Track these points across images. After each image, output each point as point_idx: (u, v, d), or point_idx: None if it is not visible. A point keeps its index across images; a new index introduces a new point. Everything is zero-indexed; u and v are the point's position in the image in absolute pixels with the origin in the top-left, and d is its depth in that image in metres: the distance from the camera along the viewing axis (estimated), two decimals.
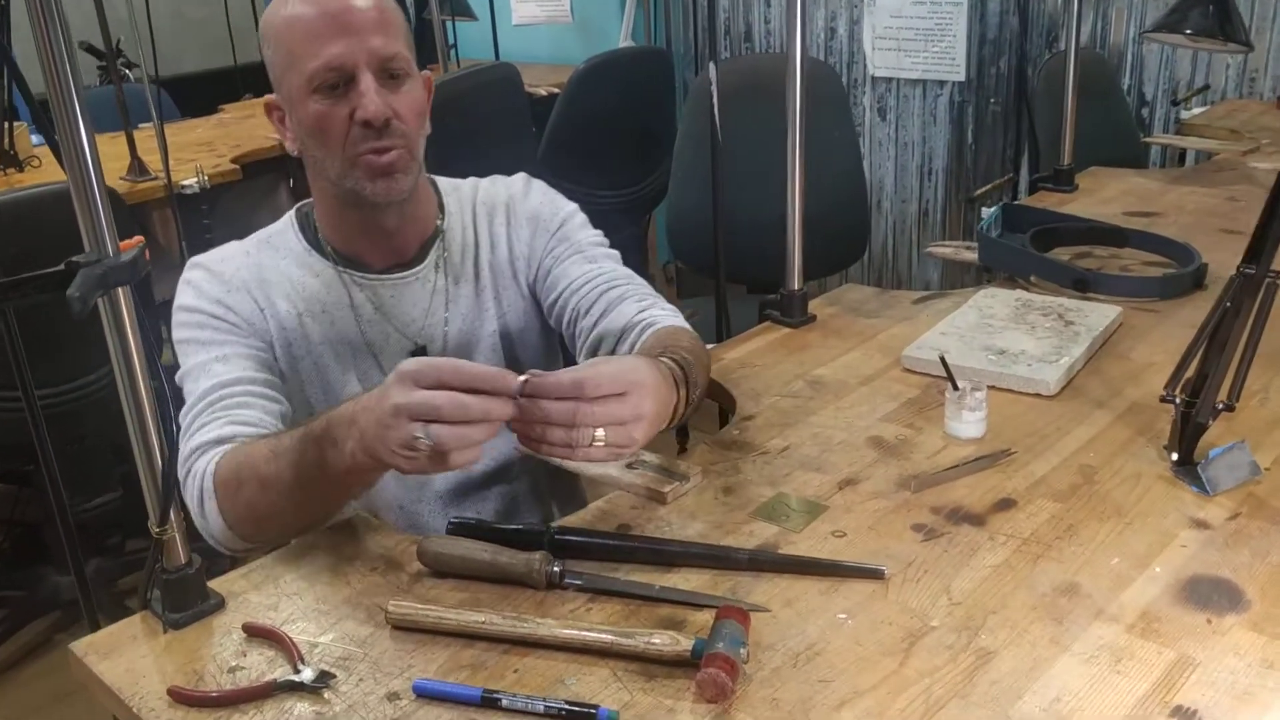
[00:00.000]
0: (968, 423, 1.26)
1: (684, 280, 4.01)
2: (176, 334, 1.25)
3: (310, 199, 1.35)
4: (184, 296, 1.27)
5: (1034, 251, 1.75)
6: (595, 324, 1.34)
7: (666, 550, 1.06)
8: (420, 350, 1.36)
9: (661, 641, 0.91)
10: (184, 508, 1.07)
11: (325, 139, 1.21)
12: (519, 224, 1.40)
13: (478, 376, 0.94)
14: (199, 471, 1.11)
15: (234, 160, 2.91)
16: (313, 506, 1.08)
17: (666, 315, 1.31)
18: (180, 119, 3.63)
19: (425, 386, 0.93)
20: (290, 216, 1.36)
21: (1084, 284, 1.66)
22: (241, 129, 3.39)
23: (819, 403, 1.38)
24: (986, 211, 2.19)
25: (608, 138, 3.33)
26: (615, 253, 1.42)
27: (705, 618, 0.97)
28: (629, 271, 1.39)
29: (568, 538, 1.07)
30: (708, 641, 0.90)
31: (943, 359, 1.29)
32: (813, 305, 1.67)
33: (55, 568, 2.62)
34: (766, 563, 1.04)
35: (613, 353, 1.32)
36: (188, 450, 1.12)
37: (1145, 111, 3.36)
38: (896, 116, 3.83)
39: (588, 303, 1.35)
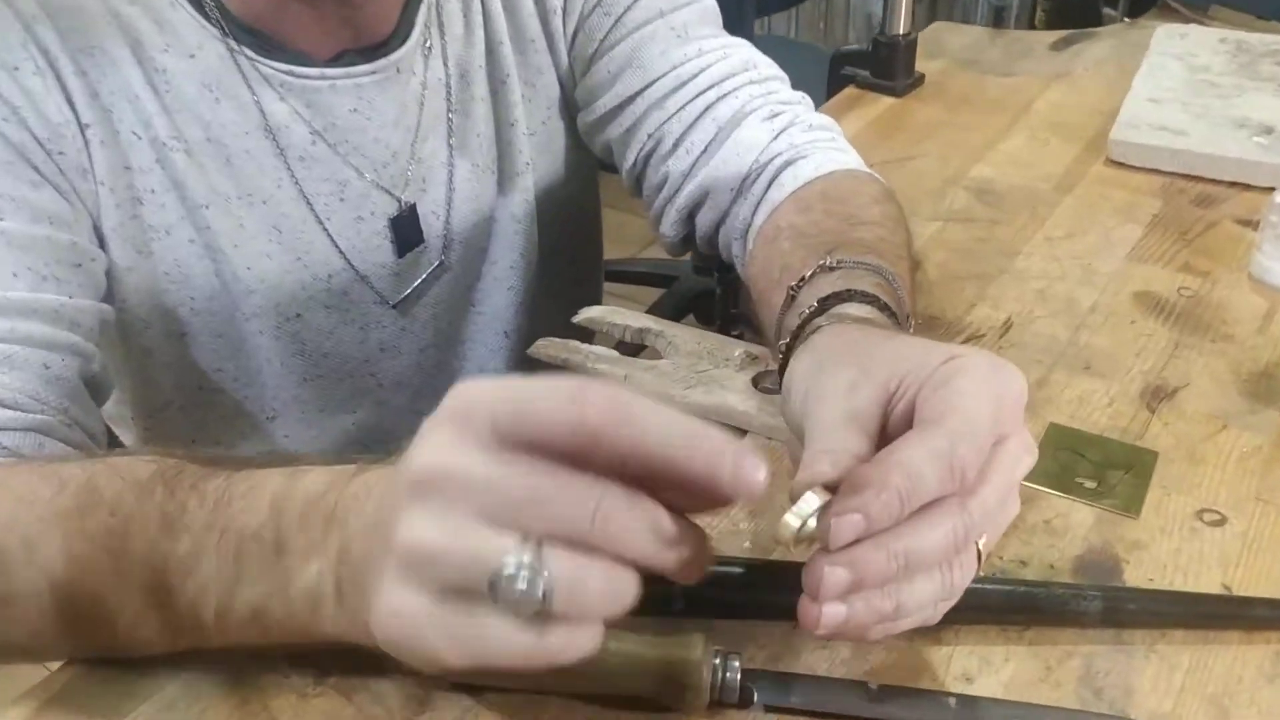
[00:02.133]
0: None
1: None
2: None
3: None
4: None
5: None
6: (693, 168, 0.75)
7: None
8: (408, 214, 0.74)
9: None
10: None
11: None
12: None
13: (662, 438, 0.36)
14: None
15: None
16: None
17: (822, 142, 0.73)
18: None
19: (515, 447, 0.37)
20: None
21: None
22: None
23: (1010, 230, 0.84)
24: None
25: None
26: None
27: None
28: (738, 46, 0.78)
29: (723, 570, 0.53)
30: None
31: None
32: None
33: None
34: (1137, 615, 0.52)
35: (723, 220, 0.75)
36: None
37: None
38: None
39: (679, 126, 0.75)
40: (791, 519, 0.38)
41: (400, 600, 0.38)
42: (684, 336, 0.70)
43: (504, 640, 0.36)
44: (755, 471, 0.36)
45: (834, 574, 0.39)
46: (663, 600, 0.52)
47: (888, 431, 0.44)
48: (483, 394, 0.37)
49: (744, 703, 0.48)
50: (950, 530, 0.40)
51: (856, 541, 0.39)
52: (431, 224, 0.76)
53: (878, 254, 0.61)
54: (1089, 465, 0.61)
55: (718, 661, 0.48)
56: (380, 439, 0.80)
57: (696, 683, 0.47)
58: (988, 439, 0.42)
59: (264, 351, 0.74)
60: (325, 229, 0.71)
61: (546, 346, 0.70)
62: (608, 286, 2.12)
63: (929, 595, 0.42)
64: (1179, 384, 0.67)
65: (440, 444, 0.37)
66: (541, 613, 0.36)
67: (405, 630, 0.38)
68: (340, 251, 0.73)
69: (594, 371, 0.68)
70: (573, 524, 0.36)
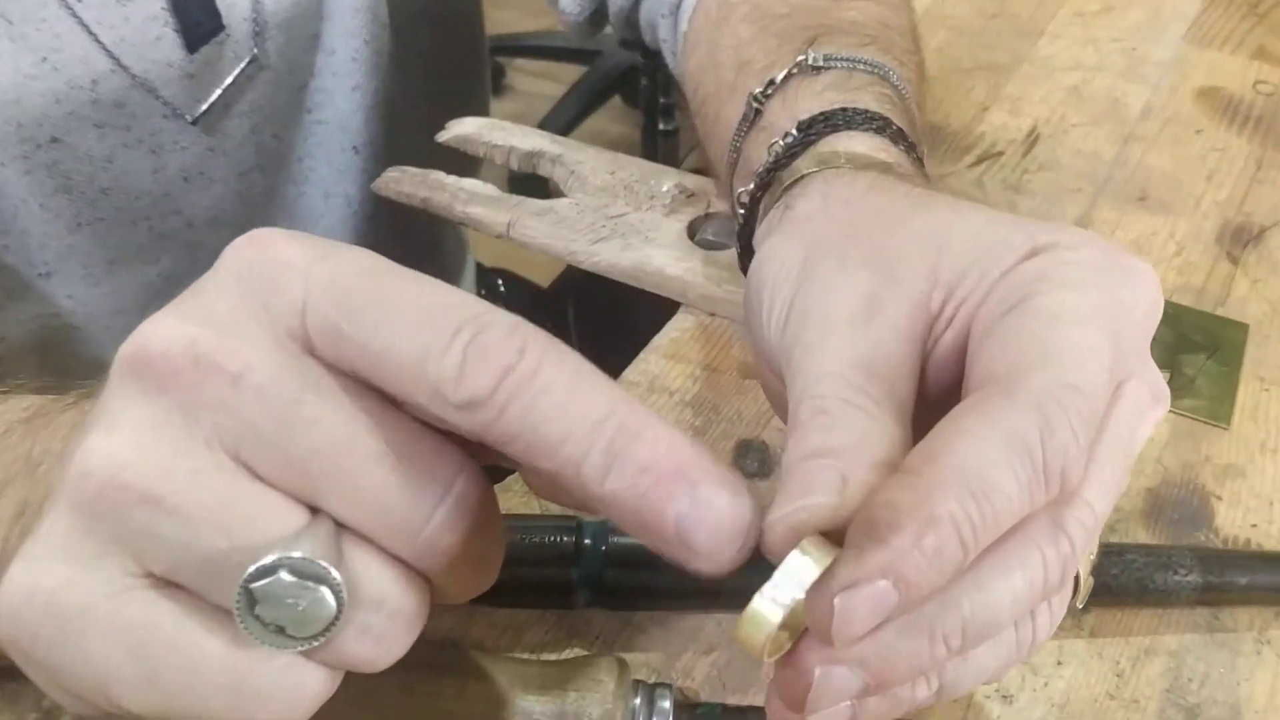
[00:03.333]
0: None
1: None
2: None
3: None
4: None
5: None
6: None
7: None
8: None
9: None
10: None
11: None
12: None
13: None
14: None
15: None
16: None
17: None
18: None
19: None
20: None
21: None
22: None
23: (1029, 1, 0.63)
24: None
25: None
26: None
27: None
28: None
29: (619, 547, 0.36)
30: None
31: None
32: None
33: None
34: (1248, 591, 0.36)
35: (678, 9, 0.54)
36: None
37: None
38: None
39: None
40: (768, 608, 0.20)
41: (54, 571, 0.21)
42: (593, 164, 0.50)
43: (230, 678, 0.21)
44: (723, 544, 0.20)
45: (833, 679, 0.22)
46: (559, 589, 0.35)
47: (927, 379, 0.26)
48: (300, 264, 0.21)
49: None
50: (1038, 572, 0.23)
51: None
52: (234, 4, 0.53)
53: (881, 46, 0.42)
54: (1157, 348, 0.44)
55: (638, 702, 0.32)
56: None
57: None
58: (1102, 401, 0.24)
59: (13, 189, 0.52)
60: (76, 16, 0.49)
61: (398, 180, 0.50)
62: (520, 64, 1.87)
63: (993, 667, 0.25)
64: (1267, 221, 0.50)
65: (204, 311, 0.21)
66: (311, 650, 0.20)
67: (49, 624, 0.21)
68: (103, 47, 0.50)
69: (464, 215, 0.49)
70: (399, 519, 0.21)
